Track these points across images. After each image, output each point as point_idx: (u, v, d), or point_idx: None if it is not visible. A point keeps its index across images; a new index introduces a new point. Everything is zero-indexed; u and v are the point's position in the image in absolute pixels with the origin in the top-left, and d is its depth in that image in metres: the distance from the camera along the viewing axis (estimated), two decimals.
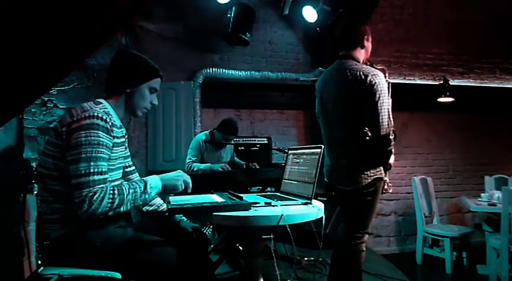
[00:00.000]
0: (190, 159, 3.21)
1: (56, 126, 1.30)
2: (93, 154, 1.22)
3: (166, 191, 1.45)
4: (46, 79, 1.36)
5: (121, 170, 1.47)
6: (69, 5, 1.12)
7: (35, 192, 2.18)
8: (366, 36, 2.01)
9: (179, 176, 1.45)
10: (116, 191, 1.23)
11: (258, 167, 3.13)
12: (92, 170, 1.20)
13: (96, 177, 1.21)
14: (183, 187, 1.45)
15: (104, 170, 1.24)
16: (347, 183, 1.95)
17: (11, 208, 2.04)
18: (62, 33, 1.20)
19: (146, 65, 1.45)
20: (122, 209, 1.26)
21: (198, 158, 3.23)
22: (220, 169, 3.01)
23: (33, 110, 3.27)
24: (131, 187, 1.29)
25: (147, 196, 1.33)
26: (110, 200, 1.21)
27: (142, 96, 1.44)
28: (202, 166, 3.13)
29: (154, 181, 1.37)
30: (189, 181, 1.48)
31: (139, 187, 1.31)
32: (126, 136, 1.52)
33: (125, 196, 1.25)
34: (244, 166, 2.72)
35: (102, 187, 1.21)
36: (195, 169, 3.13)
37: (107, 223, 1.32)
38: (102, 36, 1.31)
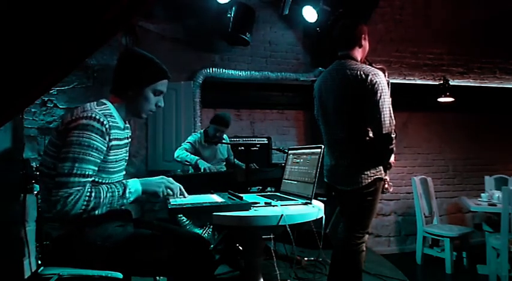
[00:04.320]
0: (185, 148, 3.18)
1: (58, 125, 1.31)
2: (80, 156, 1.21)
3: (147, 197, 1.43)
4: (46, 79, 1.36)
5: (123, 173, 1.47)
6: (69, 5, 1.12)
7: (35, 192, 2.18)
8: (363, 36, 2.02)
9: (161, 183, 1.40)
10: (92, 194, 1.22)
11: (257, 167, 3.12)
12: (74, 171, 1.19)
13: (76, 179, 1.19)
14: (165, 194, 1.40)
15: (87, 173, 1.22)
16: (347, 183, 1.95)
17: (11, 208, 2.04)
18: (61, 34, 1.20)
19: (153, 67, 1.42)
20: (97, 212, 1.24)
21: (191, 150, 3.20)
22: (204, 168, 2.94)
23: (33, 110, 3.28)
24: (109, 190, 1.27)
25: (124, 201, 1.30)
26: (85, 203, 1.20)
27: (146, 99, 1.41)
28: (190, 157, 3.09)
29: (135, 186, 1.34)
30: (173, 186, 1.42)
31: (118, 191, 1.28)
32: (130, 139, 1.52)
33: (101, 199, 1.23)
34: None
35: (79, 189, 1.19)
36: (182, 156, 3.09)
37: (107, 222, 1.32)
38: (102, 36, 1.31)
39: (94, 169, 1.26)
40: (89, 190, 1.22)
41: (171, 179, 1.45)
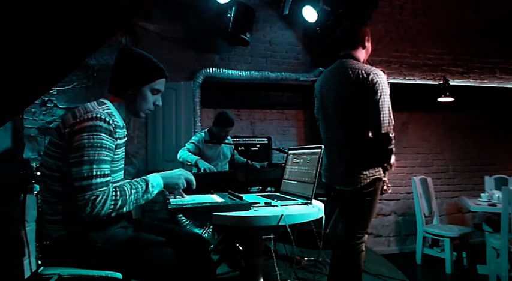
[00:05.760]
0: (188, 148, 3.15)
1: (59, 126, 1.29)
2: (96, 157, 1.21)
3: (168, 190, 1.45)
4: (46, 79, 1.36)
5: (123, 171, 1.47)
6: (69, 5, 1.12)
7: (35, 192, 2.18)
8: (366, 37, 2.03)
9: (181, 175, 1.45)
10: (118, 193, 1.23)
11: (258, 166, 3.10)
12: (94, 173, 1.20)
13: (98, 180, 1.20)
14: (185, 185, 1.45)
15: (106, 172, 1.24)
16: (346, 183, 1.95)
17: (11, 208, 2.04)
18: (62, 34, 1.20)
19: (150, 66, 1.42)
20: (124, 209, 1.26)
21: (195, 151, 3.18)
22: (204, 168, 2.91)
23: (33, 110, 3.28)
24: (133, 187, 1.28)
25: (149, 195, 1.32)
26: (113, 202, 1.21)
27: (144, 99, 1.42)
28: (190, 157, 3.05)
29: (156, 180, 1.36)
30: (192, 177, 1.48)
31: (141, 187, 1.30)
32: (126, 138, 1.52)
33: (127, 197, 1.25)
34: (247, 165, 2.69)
35: (105, 190, 1.21)
36: (184, 156, 3.07)
37: (109, 224, 1.32)
38: (102, 36, 1.31)
39: (109, 168, 1.27)
40: (114, 189, 1.23)
41: (188, 172, 1.49)
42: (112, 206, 1.21)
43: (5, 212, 1.97)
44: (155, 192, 1.35)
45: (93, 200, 1.17)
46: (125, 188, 1.26)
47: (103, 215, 1.20)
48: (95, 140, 1.22)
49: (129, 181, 1.35)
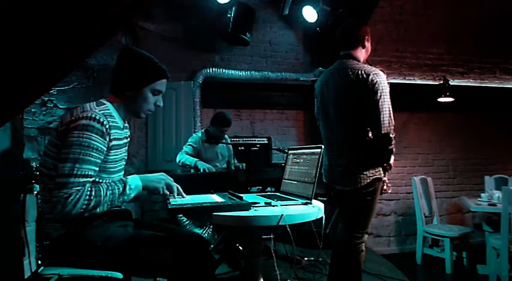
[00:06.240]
0: (185, 151, 3.17)
1: (57, 125, 1.30)
2: (80, 156, 1.21)
3: (148, 193, 1.43)
4: (46, 79, 1.36)
5: (123, 172, 1.47)
6: (69, 5, 1.12)
7: (35, 192, 2.18)
8: (366, 37, 2.03)
9: (161, 179, 1.41)
10: (92, 193, 1.22)
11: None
12: (74, 172, 1.20)
13: (76, 179, 1.20)
14: (165, 190, 1.41)
15: (88, 173, 1.23)
16: (346, 183, 1.95)
17: (11, 208, 2.04)
18: (62, 34, 1.20)
19: (151, 67, 1.41)
20: (98, 210, 1.24)
21: (193, 153, 3.18)
22: (203, 169, 2.92)
23: (33, 110, 3.28)
24: (109, 188, 1.27)
25: (125, 197, 1.31)
26: (86, 202, 1.20)
27: (144, 99, 1.41)
28: (189, 160, 3.06)
29: (135, 182, 1.34)
30: (173, 183, 1.44)
31: (118, 188, 1.29)
32: (129, 138, 1.52)
33: (102, 198, 1.24)
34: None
35: (79, 189, 1.20)
36: (183, 160, 3.08)
37: (108, 222, 1.32)
38: (102, 36, 1.31)
39: (95, 169, 1.26)
40: (89, 189, 1.22)
41: (170, 177, 1.45)
42: (84, 206, 1.20)
43: (5, 212, 1.97)
44: (132, 195, 1.33)
45: (65, 199, 1.17)
46: (101, 188, 1.25)
47: (74, 214, 1.19)
48: (84, 140, 1.22)
49: (107, 181, 1.33)
